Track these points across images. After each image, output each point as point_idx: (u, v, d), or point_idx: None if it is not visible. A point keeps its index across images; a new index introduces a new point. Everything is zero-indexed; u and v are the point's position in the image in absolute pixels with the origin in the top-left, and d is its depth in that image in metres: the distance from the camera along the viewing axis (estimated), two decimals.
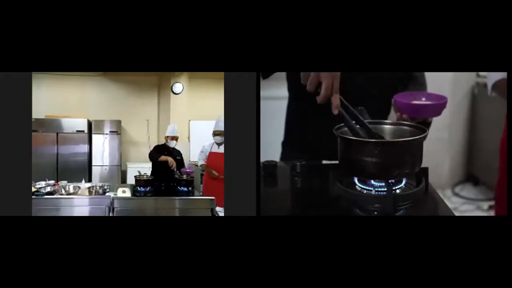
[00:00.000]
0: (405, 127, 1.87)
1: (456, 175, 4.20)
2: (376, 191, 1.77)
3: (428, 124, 1.96)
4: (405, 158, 1.72)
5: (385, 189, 1.72)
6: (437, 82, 3.18)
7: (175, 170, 4.20)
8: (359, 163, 1.72)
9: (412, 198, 1.75)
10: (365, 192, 1.78)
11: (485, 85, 3.59)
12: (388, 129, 1.92)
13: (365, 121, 1.80)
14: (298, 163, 2.07)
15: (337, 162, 1.84)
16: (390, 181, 1.72)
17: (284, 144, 2.52)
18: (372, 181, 1.78)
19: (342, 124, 1.80)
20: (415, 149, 1.75)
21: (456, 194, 4.05)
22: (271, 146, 2.45)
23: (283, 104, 2.50)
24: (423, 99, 2.02)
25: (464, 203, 3.90)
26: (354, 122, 1.76)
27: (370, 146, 1.70)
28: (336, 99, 1.67)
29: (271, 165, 2.07)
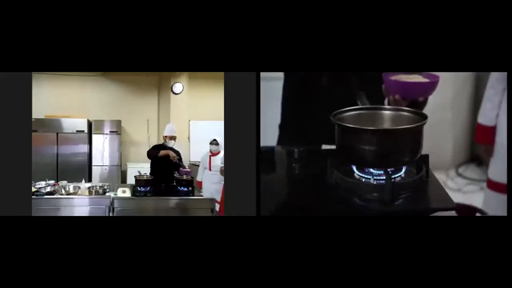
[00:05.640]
0: (405, 113, 1.79)
1: (460, 155, 4.14)
2: (375, 179, 1.70)
3: (421, 105, 1.84)
4: (404, 145, 1.66)
5: (384, 177, 1.66)
6: None
7: (177, 162, 4.20)
8: (356, 151, 1.65)
9: (411, 186, 1.68)
10: (363, 180, 1.72)
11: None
12: (387, 115, 1.84)
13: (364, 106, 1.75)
14: (296, 149, 2.00)
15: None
16: (389, 169, 1.67)
17: (281, 127, 2.41)
18: (371, 169, 1.71)
19: (340, 110, 1.74)
20: (415, 136, 1.68)
21: (459, 175, 3.98)
22: (270, 130, 2.34)
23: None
24: (413, 76, 1.89)
25: (468, 184, 3.85)
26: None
27: (368, 134, 1.63)
28: None
29: (267, 151, 1.99)
